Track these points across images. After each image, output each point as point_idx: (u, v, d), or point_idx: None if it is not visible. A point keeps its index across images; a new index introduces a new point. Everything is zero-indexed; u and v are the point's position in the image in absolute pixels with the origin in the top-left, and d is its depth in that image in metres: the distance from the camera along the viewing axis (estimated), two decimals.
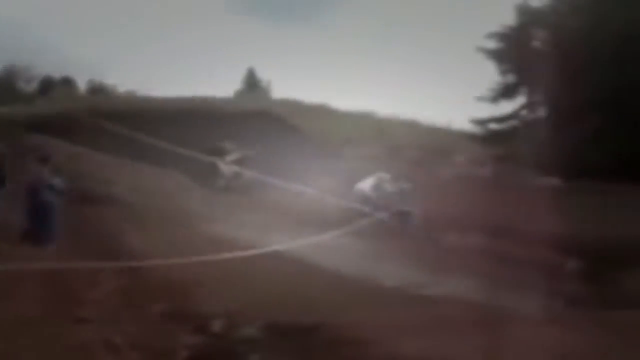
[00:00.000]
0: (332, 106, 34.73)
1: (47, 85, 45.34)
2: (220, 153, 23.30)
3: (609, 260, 16.13)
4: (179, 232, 15.51)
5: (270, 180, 19.95)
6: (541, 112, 30.78)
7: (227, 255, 12.14)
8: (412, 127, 32.96)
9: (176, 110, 28.67)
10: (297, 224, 18.10)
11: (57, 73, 48.72)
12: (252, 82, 50.18)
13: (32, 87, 49.63)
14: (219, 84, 61.50)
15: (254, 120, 27.80)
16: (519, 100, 31.16)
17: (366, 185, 21.53)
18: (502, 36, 30.96)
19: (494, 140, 30.91)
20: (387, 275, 13.73)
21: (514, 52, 30.69)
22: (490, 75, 31.56)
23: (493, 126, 31.48)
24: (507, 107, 31.29)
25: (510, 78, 31.13)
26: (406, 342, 8.67)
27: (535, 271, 15.40)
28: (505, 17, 31.46)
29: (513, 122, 31.22)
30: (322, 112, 32.95)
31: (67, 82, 46.34)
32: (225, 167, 22.96)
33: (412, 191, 20.78)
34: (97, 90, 46.70)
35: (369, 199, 20.72)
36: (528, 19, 30.59)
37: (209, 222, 17.27)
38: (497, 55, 31.09)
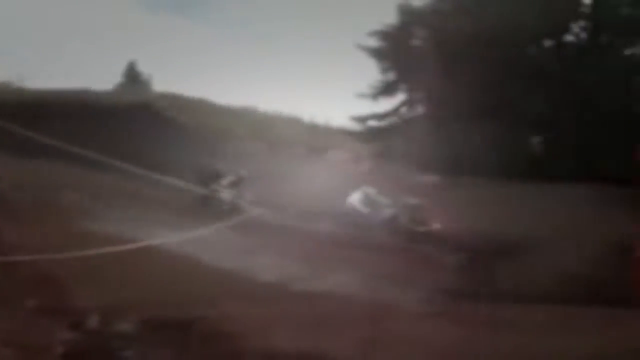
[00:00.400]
0: (214, 101, 34.52)
1: None
2: (215, 177, 21.16)
3: (487, 254, 16.60)
4: (56, 227, 15.09)
5: (151, 175, 19.74)
6: (420, 109, 31.31)
7: (104, 250, 11.91)
8: (292, 123, 33.06)
9: (54, 102, 27.75)
10: (177, 218, 17.93)
11: None
12: (132, 76, 48.97)
13: None
14: (99, 77, 59.52)
15: (134, 113, 27.25)
16: (399, 98, 31.53)
17: (355, 199, 21.03)
18: (384, 34, 31.18)
19: (374, 137, 31.28)
20: (265, 269, 13.58)
21: (394, 50, 31.05)
22: (371, 72, 31.80)
23: (373, 123, 31.77)
24: (387, 104, 31.64)
25: (390, 76, 31.39)
26: (281, 336, 8.67)
27: (415, 265, 15.97)
28: (388, 15, 31.64)
29: (392, 120, 31.59)
30: (203, 107, 32.56)
31: None
32: (224, 193, 20.83)
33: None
34: None
35: (360, 213, 20.38)
36: (409, 18, 30.95)
37: (88, 217, 16.89)
38: (378, 53, 31.31)
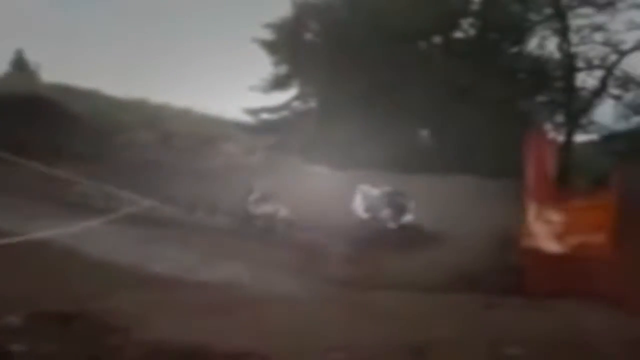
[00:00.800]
0: (106, 92, 33.84)
1: None
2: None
3: (373, 245, 17.37)
4: None
5: (39, 167, 19.32)
6: (312, 103, 31.84)
7: None
8: (184, 115, 32.87)
9: None
10: (66, 211, 17.67)
11: None
12: (20, 65, 47.33)
13: None
14: None
15: (22, 104, 26.48)
16: (292, 92, 31.94)
17: (358, 207, 20.42)
18: (277, 27, 31.36)
19: (266, 129, 31.40)
20: (156, 260, 13.73)
21: (287, 43, 31.25)
22: (265, 65, 32.05)
23: (265, 116, 32.06)
24: (280, 97, 32.00)
25: (283, 69, 31.74)
26: (168, 326, 8.75)
27: (304, 255, 16.32)
28: (283, 8, 31.85)
29: (285, 113, 32.00)
30: (94, 98, 31.97)
31: None
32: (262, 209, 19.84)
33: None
34: None
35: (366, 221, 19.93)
36: (303, 11, 31.25)
37: None
38: (271, 47, 31.51)
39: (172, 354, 7.95)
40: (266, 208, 19.68)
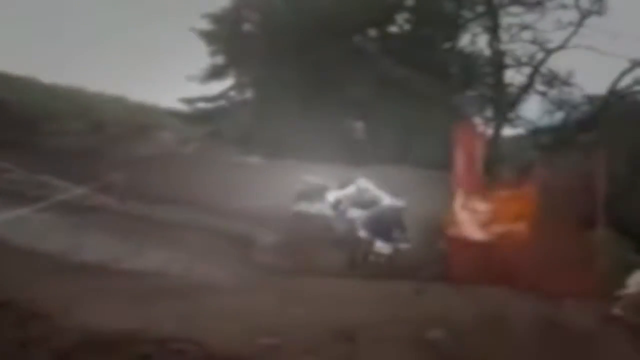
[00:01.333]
0: (41, 80, 33.21)
1: None
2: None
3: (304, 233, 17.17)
4: None
5: None
6: (249, 93, 31.72)
7: None
8: (119, 103, 32.51)
9: None
10: None
11: None
12: None
13: None
14: None
15: None
16: (229, 82, 31.71)
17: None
18: (215, 17, 31.13)
19: (202, 119, 31.39)
20: (86, 248, 13.69)
21: (224, 34, 31.12)
22: (203, 55, 31.68)
23: (201, 105, 31.78)
24: (217, 87, 31.72)
25: (221, 59, 31.53)
26: (97, 314, 8.75)
27: (234, 244, 16.41)
28: None
29: (221, 102, 31.82)
30: (29, 86, 31.39)
31: None
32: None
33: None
34: None
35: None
36: (242, 2, 31.11)
37: None
38: (209, 36, 31.27)
39: (100, 341, 7.99)
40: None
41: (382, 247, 15.26)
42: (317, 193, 17.69)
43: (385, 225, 15.53)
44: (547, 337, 8.61)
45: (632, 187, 11.79)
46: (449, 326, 8.54)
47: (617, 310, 9.13)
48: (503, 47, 30.66)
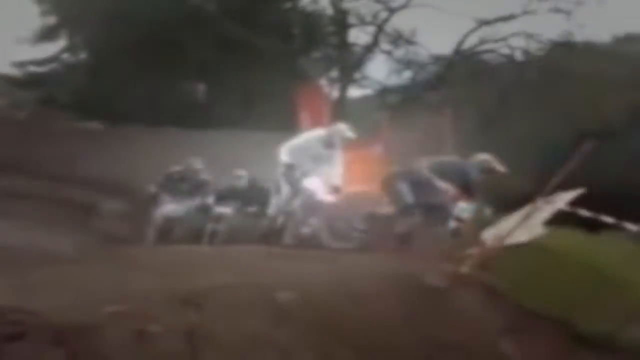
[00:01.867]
0: None
1: None
2: None
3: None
4: None
5: None
6: (83, 55, 30.44)
7: None
8: None
9: None
10: None
11: None
12: None
13: None
14: None
15: None
16: (62, 43, 30.19)
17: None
18: None
19: (35, 83, 29.60)
20: None
21: None
22: (34, 16, 29.83)
23: (33, 69, 30.05)
24: (49, 49, 30.12)
25: (52, 20, 29.88)
26: None
27: (77, 212, 15.83)
28: None
29: (53, 65, 30.30)
30: None
31: None
32: None
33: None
34: None
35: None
36: None
37: None
38: None
39: None
40: None
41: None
42: None
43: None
44: (395, 295, 8.78)
45: (480, 147, 12.10)
46: (300, 288, 8.54)
47: (464, 268, 9.44)
48: (346, 5, 30.88)
